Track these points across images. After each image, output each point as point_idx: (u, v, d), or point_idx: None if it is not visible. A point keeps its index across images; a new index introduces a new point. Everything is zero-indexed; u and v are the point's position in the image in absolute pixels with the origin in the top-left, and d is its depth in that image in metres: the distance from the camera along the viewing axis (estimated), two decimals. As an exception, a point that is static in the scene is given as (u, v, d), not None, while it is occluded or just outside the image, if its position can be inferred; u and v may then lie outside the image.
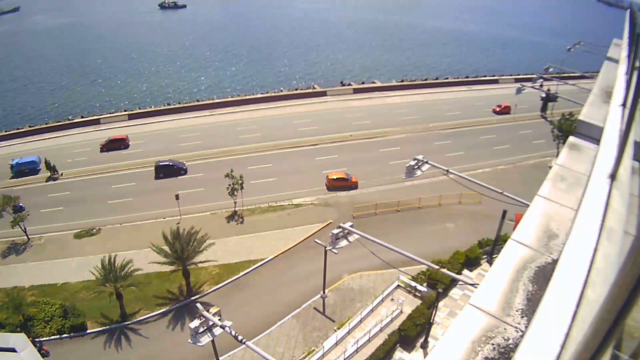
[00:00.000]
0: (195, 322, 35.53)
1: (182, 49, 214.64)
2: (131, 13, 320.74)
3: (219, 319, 36.38)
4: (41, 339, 60.43)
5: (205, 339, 36.05)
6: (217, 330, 36.36)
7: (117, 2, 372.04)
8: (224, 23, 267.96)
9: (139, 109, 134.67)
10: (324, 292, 60.76)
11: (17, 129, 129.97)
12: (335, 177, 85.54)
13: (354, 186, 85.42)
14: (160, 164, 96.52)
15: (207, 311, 36.47)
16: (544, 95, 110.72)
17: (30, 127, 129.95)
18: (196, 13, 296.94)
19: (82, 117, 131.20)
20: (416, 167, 39.97)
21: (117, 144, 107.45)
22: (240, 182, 78.26)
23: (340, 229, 38.02)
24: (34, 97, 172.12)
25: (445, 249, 63.65)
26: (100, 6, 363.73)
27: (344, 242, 38.26)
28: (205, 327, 36.04)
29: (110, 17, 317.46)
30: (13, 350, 30.55)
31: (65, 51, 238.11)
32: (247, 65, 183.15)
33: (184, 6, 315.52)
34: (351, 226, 38.64)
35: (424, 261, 35.75)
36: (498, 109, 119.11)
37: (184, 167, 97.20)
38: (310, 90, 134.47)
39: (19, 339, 32.02)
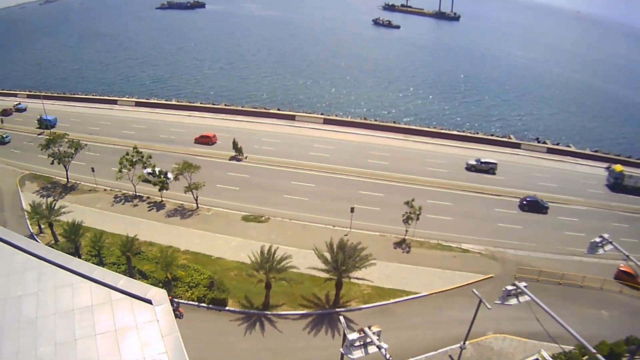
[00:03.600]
0: (354, 335, 32.61)
1: (390, 68, 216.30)
2: (344, 23, 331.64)
3: (377, 339, 32.84)
4: (179, 301, 61.36)
5: (358, 354, 33.05)
6: (372, 349, 33.07)
7: (331, 9, 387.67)
8: (436, 51, 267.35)
9: (335, 115, 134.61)
10: (463, 344, 54.91)
11: (213, 103, 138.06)
12: (625, 270, 78.06)
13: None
14: None
15: (369, 328, 33.28)
16: None
17: (226, 105, 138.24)
18: (408, 35, 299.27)
19: (279, 110, 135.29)
20: (600, 245, 38.55)
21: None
22: (417, 213, 75.10)
23: (514, 287, 37.49)
24: (234, 79, 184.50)
25: (592, 336, 55.15)
26: (313, 9, 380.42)
27: (513, 301, 37.72)
28: (361, 342, 32.79)
29: (323, 22, 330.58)
30: (149, 302, 28.98)
31: (273, 44, 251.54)
32: (447, 97, 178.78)
33: (398, 27, 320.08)
34: (525, 287, 37.18)
35: (584, 342, 32.81)
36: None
37: None
38: (505, 139, 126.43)
39: (158, 293, 30.35)
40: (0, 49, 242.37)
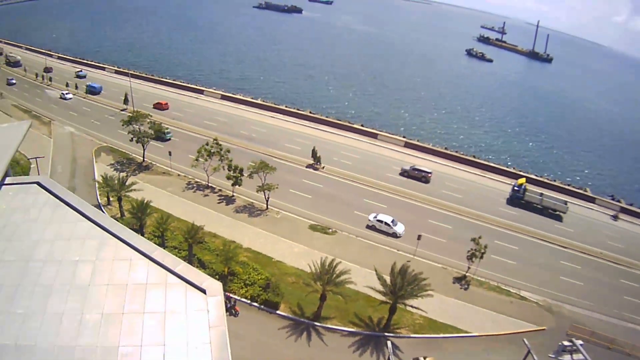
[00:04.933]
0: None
1: (477, 101, 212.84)
2: (437, 48, 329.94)
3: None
4: (236, 298, 61.68)
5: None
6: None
7: (427, 33, 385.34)
8: (526, 91, 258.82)
9: (417, 140, 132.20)
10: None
11: (298, 109, 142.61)
12: None
13: None
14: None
15: (424, 358, 32.38)
16: None
17: (310, 113, 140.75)
18: (500, 71, 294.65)
19: (362, 126, 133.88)
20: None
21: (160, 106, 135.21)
22: (482, 251, 72.38)
23: (570, 344, 38.08)
24: (321, 89, 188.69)
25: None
26: (410, 30, 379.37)
27: (567, 357, 37.90)
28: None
29: (417, 45, 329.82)
30: (203, 291, 28.76)
31: (365, 60, 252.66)
32: (532, 139, 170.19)
33: (490, 60, 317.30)
34: (581, 345, 38.06)
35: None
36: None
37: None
38: (580, 191, 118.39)
39: (213, 285, 30.24)
40: (97, 24, 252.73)
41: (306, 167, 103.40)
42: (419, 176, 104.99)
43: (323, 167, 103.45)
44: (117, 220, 35.58)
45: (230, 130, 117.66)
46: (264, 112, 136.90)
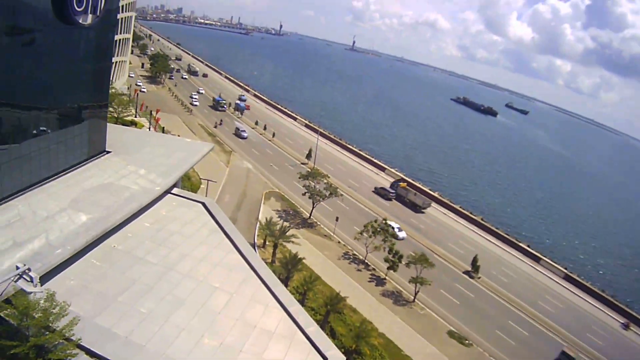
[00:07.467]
0: None
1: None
2: (622, 187, 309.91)
3: None
4: None
5: None
6: None
7: (615, 167, 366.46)
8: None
9: (577, 275, 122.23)
10: None
11: (472, 213, 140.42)
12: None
13: None
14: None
15: None
16: None
17: (482, 220, 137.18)
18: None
19: (528, 246, 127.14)
20: None
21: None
22: None
23: None
24: (500, 197, 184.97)
25: None
26: (596, 161, 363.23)
27: None
28: None
29: (602, 178, 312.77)
30: (326, 359, 28.68)
31: (549, 184, 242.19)
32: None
33: None
34: None
35: None
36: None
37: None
38: None
39: (337, 357, 31.38)
40: (299, 75, 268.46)
41: (463, 272, 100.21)
42: (382, 193, 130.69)
43: (479, 277, 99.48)
44: (267, 265, 36.53)
45: (401, 215, 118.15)
46: (438, 206, 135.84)
